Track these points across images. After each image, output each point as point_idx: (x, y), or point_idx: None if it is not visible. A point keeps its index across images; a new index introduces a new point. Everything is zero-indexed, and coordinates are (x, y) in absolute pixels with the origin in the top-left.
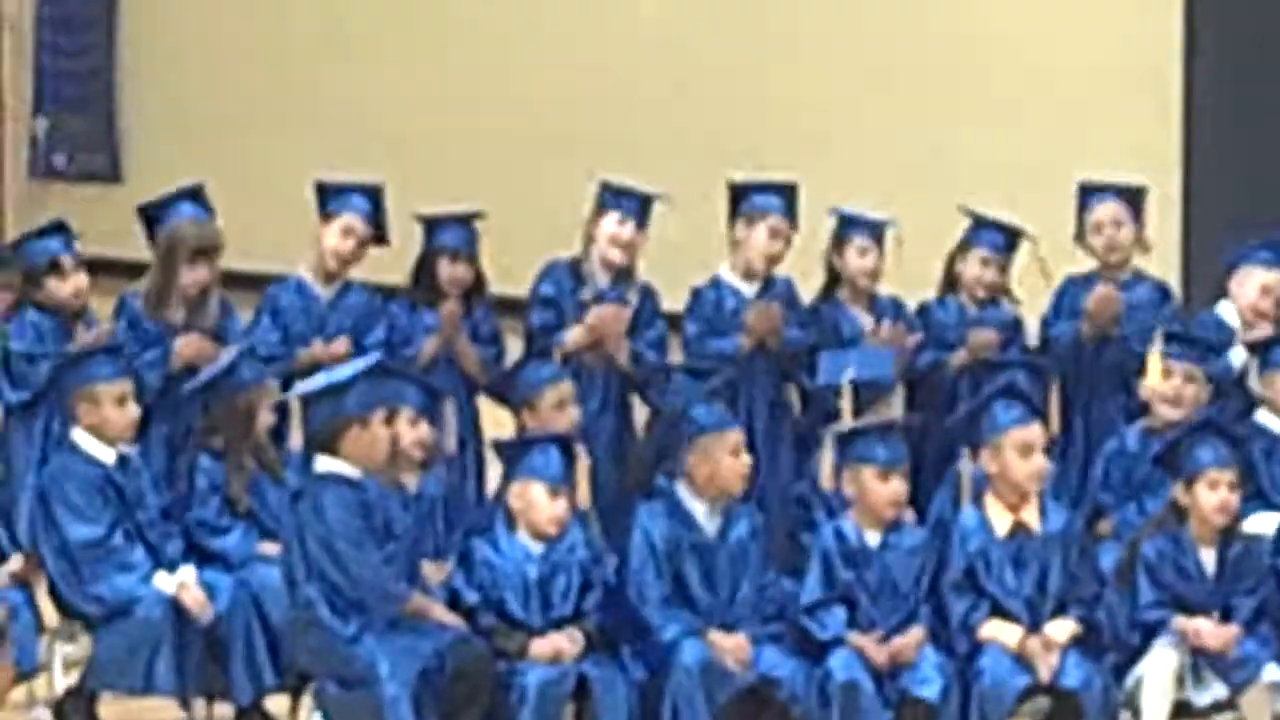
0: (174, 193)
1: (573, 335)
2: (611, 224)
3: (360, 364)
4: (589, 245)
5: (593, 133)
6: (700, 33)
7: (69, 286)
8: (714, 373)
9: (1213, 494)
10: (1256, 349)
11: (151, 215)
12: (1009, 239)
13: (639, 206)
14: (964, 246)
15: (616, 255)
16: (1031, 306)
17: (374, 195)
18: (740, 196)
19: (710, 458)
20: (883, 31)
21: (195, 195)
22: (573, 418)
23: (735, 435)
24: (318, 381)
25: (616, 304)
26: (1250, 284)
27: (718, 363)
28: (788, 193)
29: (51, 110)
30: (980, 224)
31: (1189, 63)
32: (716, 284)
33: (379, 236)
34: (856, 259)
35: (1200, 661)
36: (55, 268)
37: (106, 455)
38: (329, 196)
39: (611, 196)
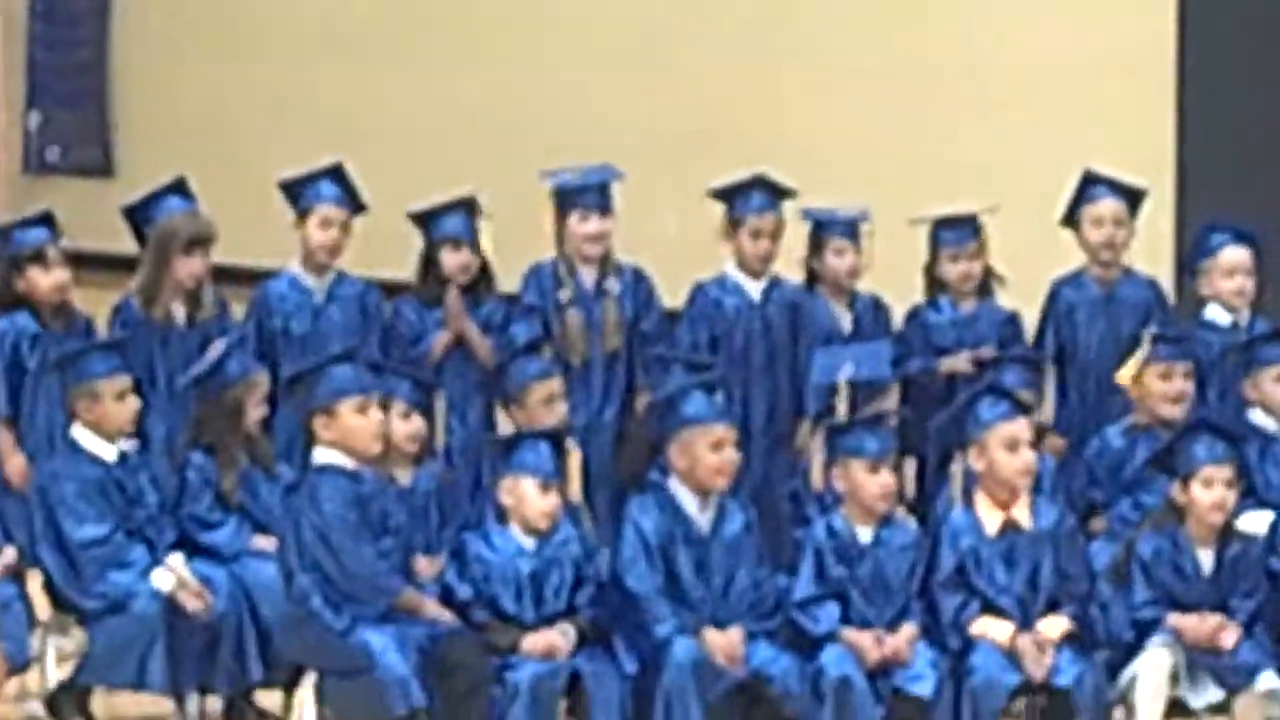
0: (159, 189)
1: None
2: (577, 224)
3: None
4: (562, 247)
5: (588, 132)
6: (698, 30)
7: (50, 279)
8: (708, 365)
9: (1208, 492)
10: (1243, 349)
11: (139, 214)
12: (970, 227)
13: (596, 197)
14: (932, 253)
15: (591, 249)
16: (1015, 290)
17: (337, 176)
18: (722, 202)
19: (690, 450)
20: (874, 28)
21: (180, 188)
22: (561, 413)
23: (720, 430)
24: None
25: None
26: (1216, 274)
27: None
28: (759, 188)
29: (44, 104)
30: (937, 225)
31: (1182, 59)
32: (722, 281)
33: (356, 208)
34: (834, 259)
35: (1196, 663)
36: (39, 258)
37: (107, 452)
38: (296, 193)
39: (567, 197)
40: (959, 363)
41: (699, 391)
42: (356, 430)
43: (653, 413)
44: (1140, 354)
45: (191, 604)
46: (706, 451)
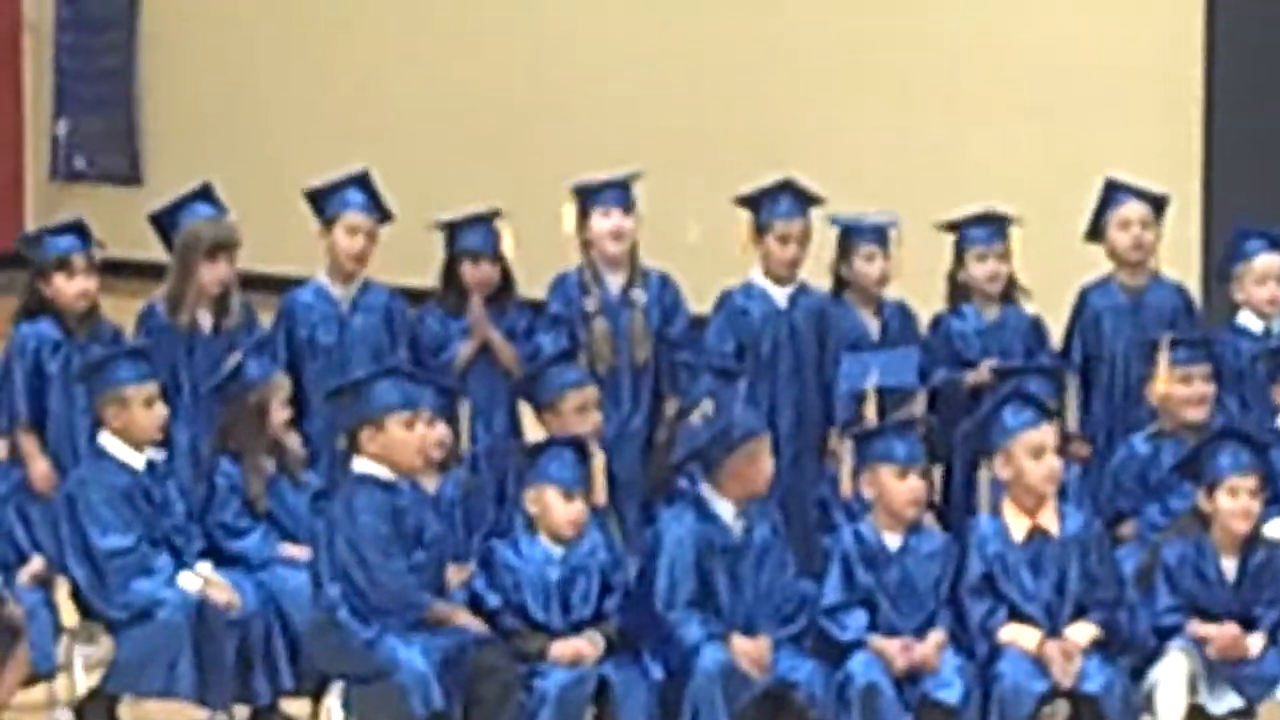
0: (185, 195)
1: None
2: (599, 220)
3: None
4: (587, 253)
5: (612, 138)
6: (718, 35)
7: (75, 287)
8: (737, 372)
9: (1234, 501)
10: (1273, 354)
11: (165, 220)
12: (996, 227)
13: (619, 194)
14: (958, 255)
15: (615, 248)
16: (1040, 297)
17: (363, 184)
18: (749, 209)
19: (755, 461)
20: (901, 35)
21: (206, 194)
22: (595, 422)
23: (769, 437)
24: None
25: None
26: (1249, 280)
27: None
28: (787, 193)
29: (72, 112)
30: (963, 224)
31: (1210, 64)
32: (748, 288)
33: (383, 216)
34: (864, 265)
35: (1216, 671)
36: (65, 265)
37: (135, 460)
38: (322, 202)
39: (589, 196)
40: (982, 374)
41: (747, 405)
42: (402, 444)
43: (700, 426)
44: (1163, 362)
45: (220, 596)
46: (765, 460)
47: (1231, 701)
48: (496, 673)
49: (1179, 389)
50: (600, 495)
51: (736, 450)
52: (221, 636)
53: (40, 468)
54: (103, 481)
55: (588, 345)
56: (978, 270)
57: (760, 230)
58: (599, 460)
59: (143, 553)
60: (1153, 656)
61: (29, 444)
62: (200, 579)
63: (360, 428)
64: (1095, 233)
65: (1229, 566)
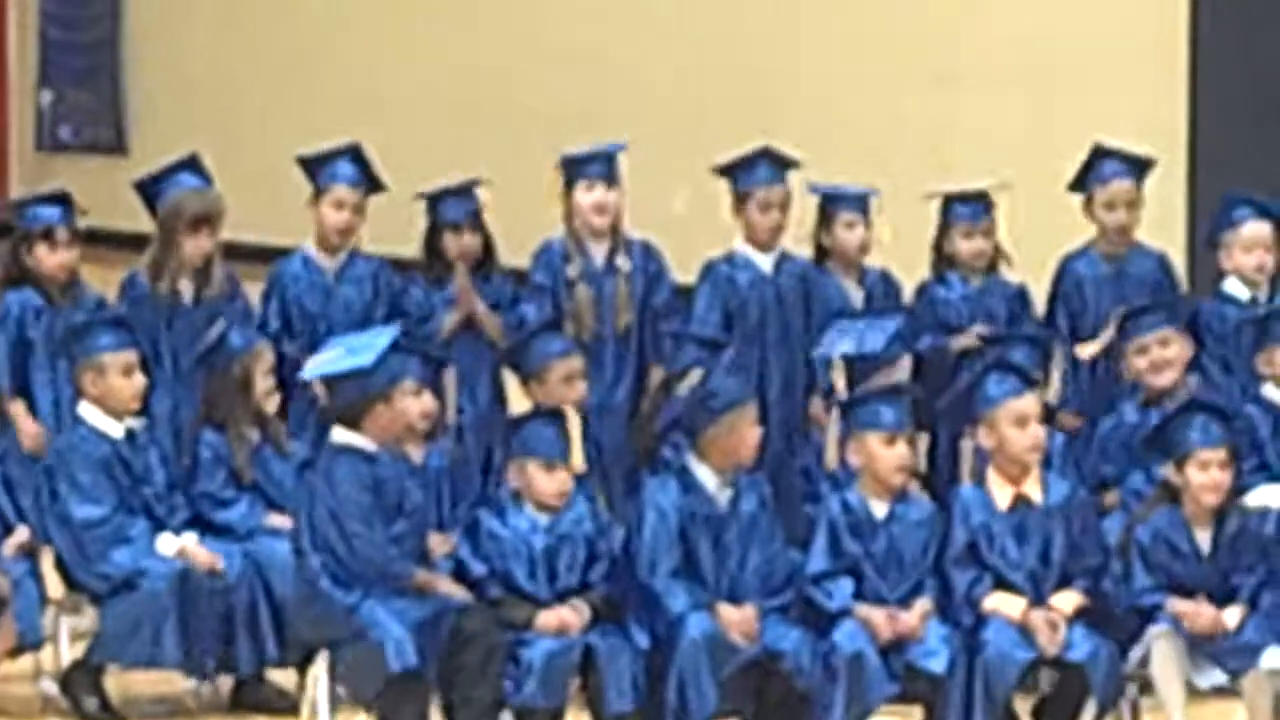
0: (170, 165)
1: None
2: (583, 194)
3: (380, 339)
4: (570, 223)
5: (596, 106)
6: (707, 4)
7: (56, 259)
8: (724, 343)
9: (1204, 474)
10: (1258, 323)
11: (150, 189)
12: (982, 203)
13: (604, 167)
14: (943, 228)
15: (599, 221)
16: (1028, 264)
17: (355, 156)
18: (728, 178)
19: (736, 431)
20: (888, 2)
21: (192, 165)
22: (580, 392)
23: (754, 406)
24: (342, 362)
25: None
26: (1236, 248)
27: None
28: (764, 160)
29: (57, 82)
30: (950, 200)
31: (1195, 32)
32: (731, 257)
33: (373, 188)
34: (845, 233)
35: (1198, 647)
36: (47, 236)
37: (114, 429)
38: (314, 171)
39: (574, 167)
40: (969, 339)
41: (730, 374)
42: (408, 412)
43: (684, 396)
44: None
45: (203, 560)
46: (747, 430)
47: (1216, 677)
48: (478, 638)
49: (1136, 361)
50: (578, 463)
51: (718, 419)
52: (205, 604)
53: (30, 428)
54: (80, 450)
55: (572, 314)
56: (964, 246)
57: (740, 199)
58: (577, 429)
59: (118, 522)
60: (1136, 631)
61: (16, 408)
62: (179, 543)
63: (374, 401)
64: (1078, 187)
65: (1203, 539)
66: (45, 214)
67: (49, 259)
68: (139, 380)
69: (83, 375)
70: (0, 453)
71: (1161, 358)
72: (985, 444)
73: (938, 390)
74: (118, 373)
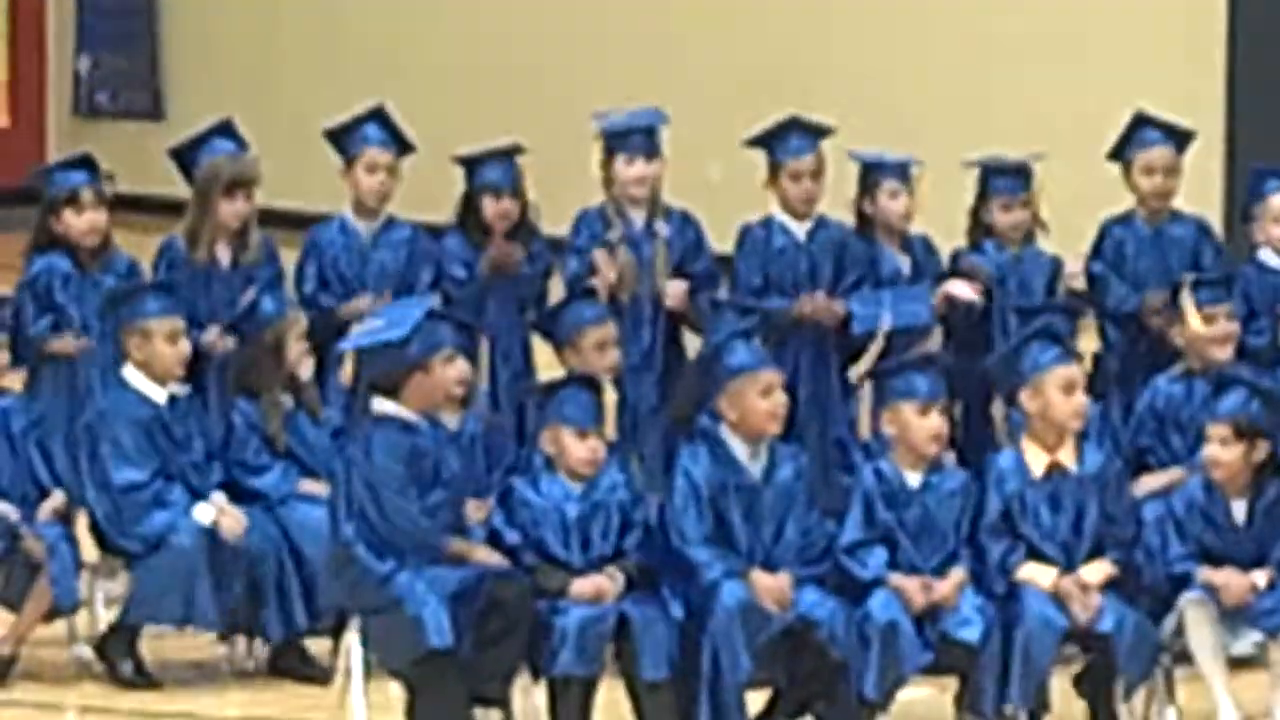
0: (205, 130)
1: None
2: (623, 167)
3: (416, 310)
4: (609, 189)
5: (631, 71)
6: None
7: (83, 222)
8: (757, 313)
9: (1210, 447)
10: None
11: (186, 155)
12: (1023, 176)
13: (644, 140)
14: (982, 198)
15: (637, 192)
16: (1063, 235)
17: (380, 118)
18: (761, 149)
19: (742, 399)
20: None
21: (227, 130)
22: (614, 359)
23: (768, 375)
24: (378, 334)
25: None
26: (1267, 219)
27: (766, 318)
28: (795, 130)
29: (94, 48)
30: (990, 172)
31: (1233, 2)
32: (768, 222)
33: (403, 149)
34: (888, 202)
35: (1231, 615)
36: (73, 200)
37: (158, 395)
38: (342, 141)
39: (615, 139)
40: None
41: (741, 341)
42: (445, 381)
43: (698, 367)
44: (1188, 300)
45: (228, 525)
46: (757, 399)
47: (1249, 641)
48: (508, 605)
49: (1205, 329)
50: (610, 430)
51: (724, 387)
52: (231, 564)
53: (69, 346)
54: (123, 413)
55: (604, 280)
56: (1002, 219)
57: (774, 169)
58: (610, 396)
59: (158, 488)
60: (1168, 601)
61: (59, 345)
62: (214, 510)
63: (412, 371)
64: (1117, 156)
65: (1238, 509)
66: (72, 178)
67: (77, 222)
68: (184, 347)
69: (128, 339)
70: (34, 417)
71: (1227, 331)
72: (1028, 408)
73: (970, 358)
74: (163, 339)
